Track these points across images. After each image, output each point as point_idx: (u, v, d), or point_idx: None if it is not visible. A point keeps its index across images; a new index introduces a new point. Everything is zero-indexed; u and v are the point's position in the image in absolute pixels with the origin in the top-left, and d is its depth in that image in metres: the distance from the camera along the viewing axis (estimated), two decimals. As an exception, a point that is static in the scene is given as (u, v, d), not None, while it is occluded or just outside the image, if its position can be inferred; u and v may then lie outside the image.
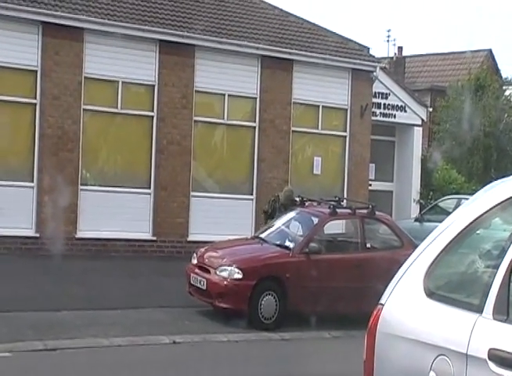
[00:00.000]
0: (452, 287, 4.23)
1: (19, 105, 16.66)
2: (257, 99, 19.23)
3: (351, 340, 10.55)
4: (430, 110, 26.43)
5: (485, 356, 3.58)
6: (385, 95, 23.55)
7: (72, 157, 16.94)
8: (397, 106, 23.92)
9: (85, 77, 17.06)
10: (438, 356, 3.81)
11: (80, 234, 16.90)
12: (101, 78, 17.31)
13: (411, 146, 24.45)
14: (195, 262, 12.71)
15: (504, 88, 30.54)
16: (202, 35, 18.19)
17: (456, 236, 4.11)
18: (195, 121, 18.38)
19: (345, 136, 20.63)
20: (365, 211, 13.61)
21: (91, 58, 17.11)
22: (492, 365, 3.55)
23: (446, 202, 20.96)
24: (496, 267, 3.81)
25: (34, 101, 16.67)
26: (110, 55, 17.27)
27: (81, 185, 17.08)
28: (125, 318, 11.66)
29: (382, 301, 4.26)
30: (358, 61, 20.43)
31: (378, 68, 21.01)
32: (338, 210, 13.35)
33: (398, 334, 4.08)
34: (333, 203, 13.73)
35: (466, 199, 5.49)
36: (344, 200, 15.83)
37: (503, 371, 3.50)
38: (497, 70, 34.13)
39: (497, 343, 3.57)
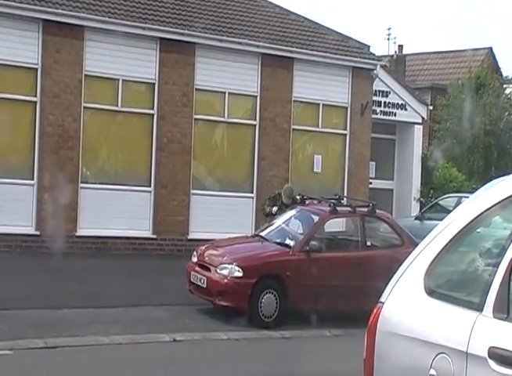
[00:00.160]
0: (452, 285, 4.23)
1: (19, 103, 16.65)
2: (258, 97, 19.22)
3: (351, 338, 10.51)
4: (431, 108, 26.39)
5: (485, 355, 3.58)
6: (385, 94, 23.53)
7: (72, 155, 16.94)
8: (397, 104, 23.90)
9: (86, 75, 17.05)
10: (438, 355, 3.81)
11: (80, 232, 16.90)
12: (101, 76, 17.30)
13: (411, 144, 24.41)
14: (195, 260, 12.70)
15: (504, 86, 30.54)
16: (202, 33, 18.18)
17: (457, 235, 4.11)
18: (195, 119, 18.36)
19: (346, 134, 20.62)
20: (365, 209, 13.60)
21: (91, 56, 17.10)
22: (492, 363, 3.55)
23: (447, 200, 20.93)
24: (496, 265, 3.80)
25: (34, 99, 16.67)
26: (111, 53, 17.26)
27: (82, 183, 17.08)
28: (126, 316, 11.66)
29: (382, 299, 4.26)
30: (358, 59, 20.40)
31: (378, 66, 20.98)
32: (338, 208, 13.35)
33: (398, 333, 4.08)
34: (333, 201, 13.72)
35: (467, 197, 5.49)
36: (345, 199, 15.79)
37: (503, 369, 3.51)
38: (497, 69, 34.11)
39: (497, 341, 3.57)
